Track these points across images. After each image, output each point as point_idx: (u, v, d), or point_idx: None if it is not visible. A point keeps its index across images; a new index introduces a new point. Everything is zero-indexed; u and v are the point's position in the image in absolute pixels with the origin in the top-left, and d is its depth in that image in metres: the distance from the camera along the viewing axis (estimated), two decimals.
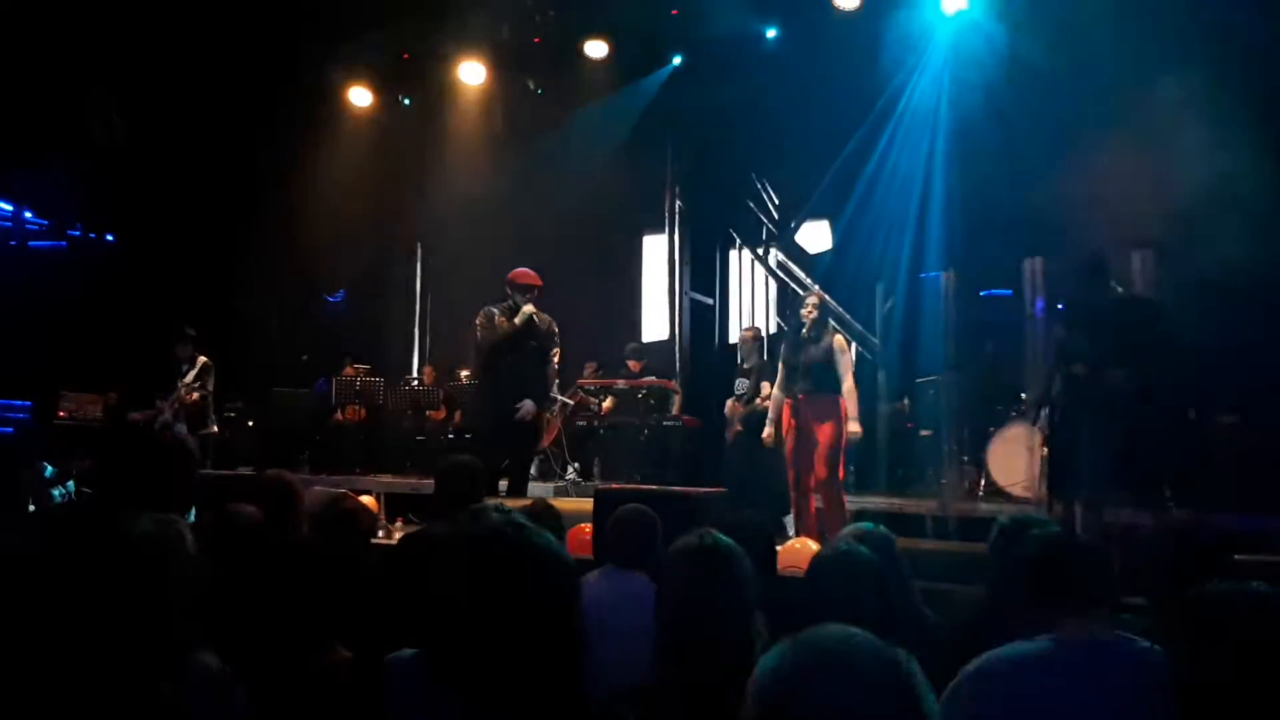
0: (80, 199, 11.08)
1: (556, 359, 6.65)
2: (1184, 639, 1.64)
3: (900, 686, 1.07)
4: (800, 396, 5.98)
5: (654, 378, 8.79)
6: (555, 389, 9.26)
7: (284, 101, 10.25)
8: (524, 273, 6.58)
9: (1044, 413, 5.12)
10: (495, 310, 6.52)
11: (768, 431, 6.29)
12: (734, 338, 10.81)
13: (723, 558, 1.99)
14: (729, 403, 7.79)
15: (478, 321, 6.57)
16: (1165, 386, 4.71)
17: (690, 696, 1.85)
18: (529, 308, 6.40)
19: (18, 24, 9.10)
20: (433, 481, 3.86)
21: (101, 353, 9.77)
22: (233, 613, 2.05)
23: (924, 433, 8.18)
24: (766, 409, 6.65)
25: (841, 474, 6.12)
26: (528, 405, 6.41)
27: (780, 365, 6.20)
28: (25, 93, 9.52)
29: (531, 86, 10.18)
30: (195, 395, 7.80)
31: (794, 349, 6.05)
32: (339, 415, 9.84)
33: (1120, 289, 4.88)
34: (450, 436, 9.54)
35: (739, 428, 7.51)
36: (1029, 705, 1.71)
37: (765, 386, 6.95)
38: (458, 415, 9.75)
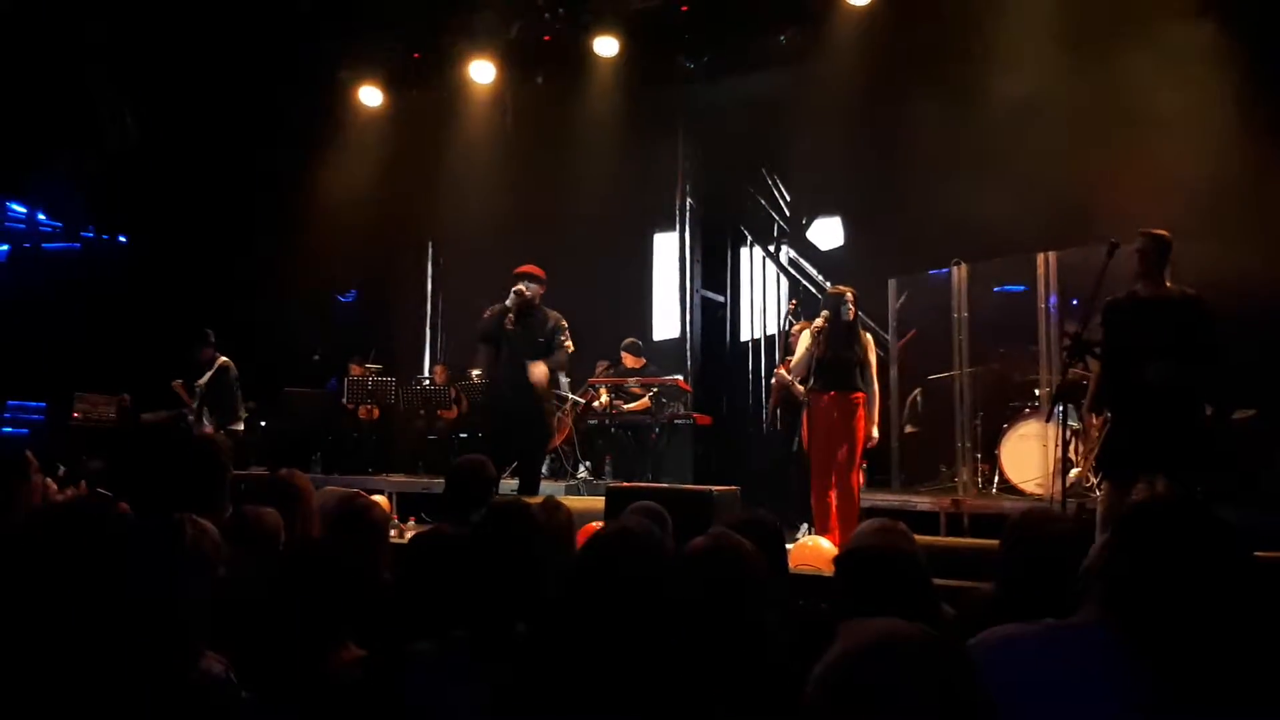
0: (93, 201, 11.14)
1: (567, 349, 6.37)
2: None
3: (954, 667, 1.12)
4: (831, 394, 5.95)
5: (655, 375, 8.76)
6: (566, 387, 9.29)
7: (295, 101, 10.28)
8: (524, 267, 6.49)
9: (1058, 409, 5.09)
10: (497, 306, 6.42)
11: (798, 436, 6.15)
12: (745, 335, 10.80)
13: (734, 557, 1.99)
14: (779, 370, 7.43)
15: None
16: (1204, 384, 4.65)
17: (705, 693, 1.85)
18: (510, 300, 6.28)
19: (30, 26, 9.15)
20: (444, 481, 3.87)
21: (115, 354, 9.81)
22: (250, 612, 2.05)
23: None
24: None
25: (861, 476, 6.11)
26: (537, 369, 6.16)
27: (805, 356, 6.11)
28: (38, 95, 9.57)
29: (540, 83, 10.18)
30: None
31: (830, 347, 5.99)
32: (352, 409, 9.84)
33: (1169, 283, 4.78)
34: (463, 436, 9.55)
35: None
36: (1026, 680, 1.69)
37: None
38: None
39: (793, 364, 6.22)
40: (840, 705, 1.11)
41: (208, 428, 7.87)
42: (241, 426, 8.25)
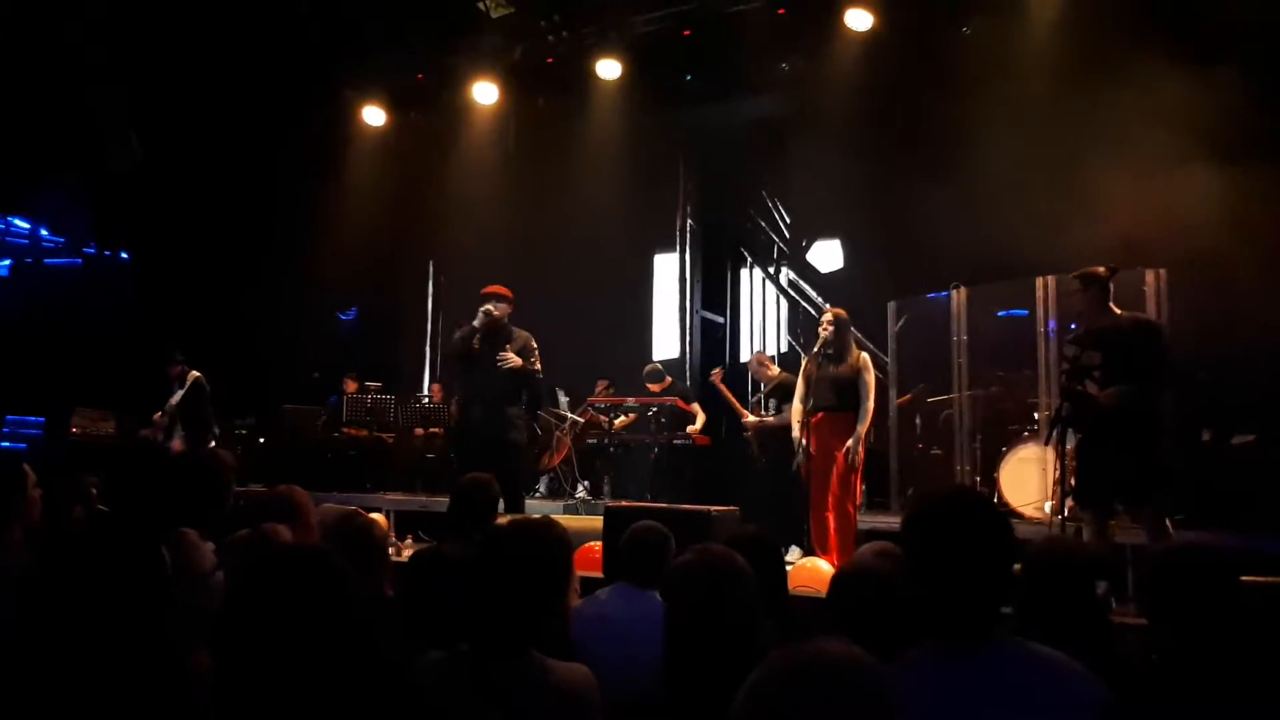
0: (95, 217, 11.18)
1: (536, 369, 6.22)
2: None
3: (873, 695, 1.13)
4: (820, 415, 5.93)
5: (669, 397, 8.73)
6: (565, 405, 9.29)
7: (298, 121, 10.34)
8: (491, 287, 6.40)
9: (1055, 432, 5.10)
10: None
11: (799, 460, 6.07)
12: (745, 356, 10.80)
13: (725, 572, 1.99)
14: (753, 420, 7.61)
15: None
16: (1172, 406, 4.72)
17: (696, 710, 1.85)
18: (478, 320, 6.18)
19: (35, 43, 9.22)
20: (442, 499, 3.87)
21: (115, 370, 9.82)
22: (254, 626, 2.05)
23: (934, 452, 8.15)
24: (776, 426, 6.63)
25: (859, 498, 6.07)
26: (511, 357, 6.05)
27: (802, 384, 6.10)
28: (42, 112, 9.63)
29: (543, 104, 10.26)
30: (161, 417, 7.96)
31: (823, 367, 5.98)
32: (350, 431, 9.85)
33: (1118, 310, 4.87)
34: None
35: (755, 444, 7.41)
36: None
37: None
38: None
39: (795, 398, 6.19)
40: None
41: (176, 444, 7.87)
42: (214, 444, 8.21)
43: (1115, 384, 4.64)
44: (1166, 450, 4.78)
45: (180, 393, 7.91)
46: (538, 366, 6.24)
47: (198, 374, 8.02)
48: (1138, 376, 4.62)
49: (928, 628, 1.80)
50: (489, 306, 6.19)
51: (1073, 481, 4.86)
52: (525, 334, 6.30)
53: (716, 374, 8.26)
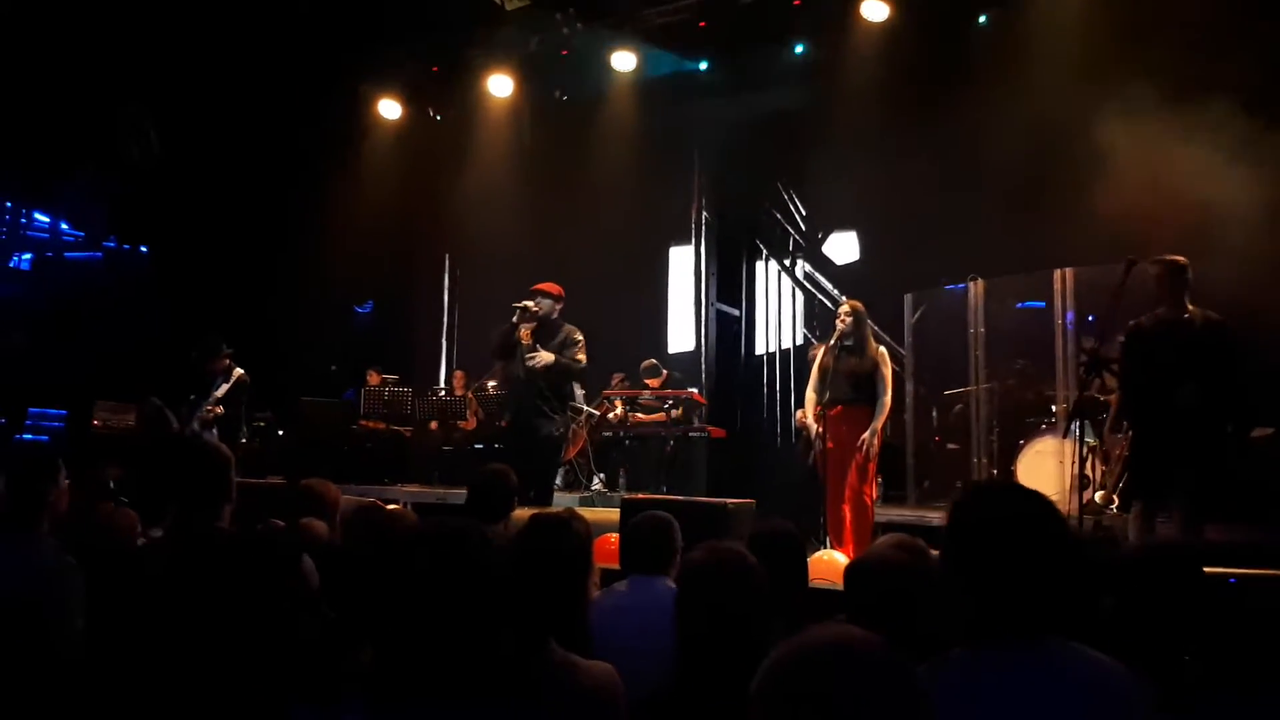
0: (115, 211, 11.26)
1: (577, 358, 6.25)
2: None
3: (895, 680, 1.11)
4: (838, 408, 5.91)
5: (683, 390, 8.75)
6: (581, 399, 9.31)
7: (314, 115, 10.38)
8: (541, 284, 6.41)
9: (1075, 426, 5.08)
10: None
11: (815, 450, 6.00)
12: (760, 349, 10.79)
13: (734, 569, 1.99)
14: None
15: None
16: (1226, 406, 4.68)
17: (709, 705, 1.86)
18: (515, 315, 6.21)
19: (56, 40, 9.29)
20: (459, 491, 3.89)
21: (135, 363, 9.90)
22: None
23: (950, 445, 8.13)
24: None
25: (875, 491, 6.05)
26: (541, 354, 6.11)
27: (816, 375, 6.11)
28: (62, 107, 9.70)
29: (558, 97, 10.26)
30: (219, 409, 7.85)
31: (840, 359, 5.97)
32: (367, 424, 9.91)
33: (1191, 305, 4.81)
34: (478, 447, 9.58)
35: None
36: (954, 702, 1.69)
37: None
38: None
39: (809, 389, 6.17)
40: (772, 710, 1.10)
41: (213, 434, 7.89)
42: (244, 441, 8.22)
43: (1180, 381, 4.57)
44: (1229, 455, 4.72)
45: (225, 386, 7.89)
46: (580, 358, 6.26)
47: (243, 372, 8.01)
48: (1207, 377, 4.56)
49: (967, 627, 1.76)
50: (527, 302, 6.24)
51: (1113, 472, 4.84)
52: (570, 328, 6.32)
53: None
